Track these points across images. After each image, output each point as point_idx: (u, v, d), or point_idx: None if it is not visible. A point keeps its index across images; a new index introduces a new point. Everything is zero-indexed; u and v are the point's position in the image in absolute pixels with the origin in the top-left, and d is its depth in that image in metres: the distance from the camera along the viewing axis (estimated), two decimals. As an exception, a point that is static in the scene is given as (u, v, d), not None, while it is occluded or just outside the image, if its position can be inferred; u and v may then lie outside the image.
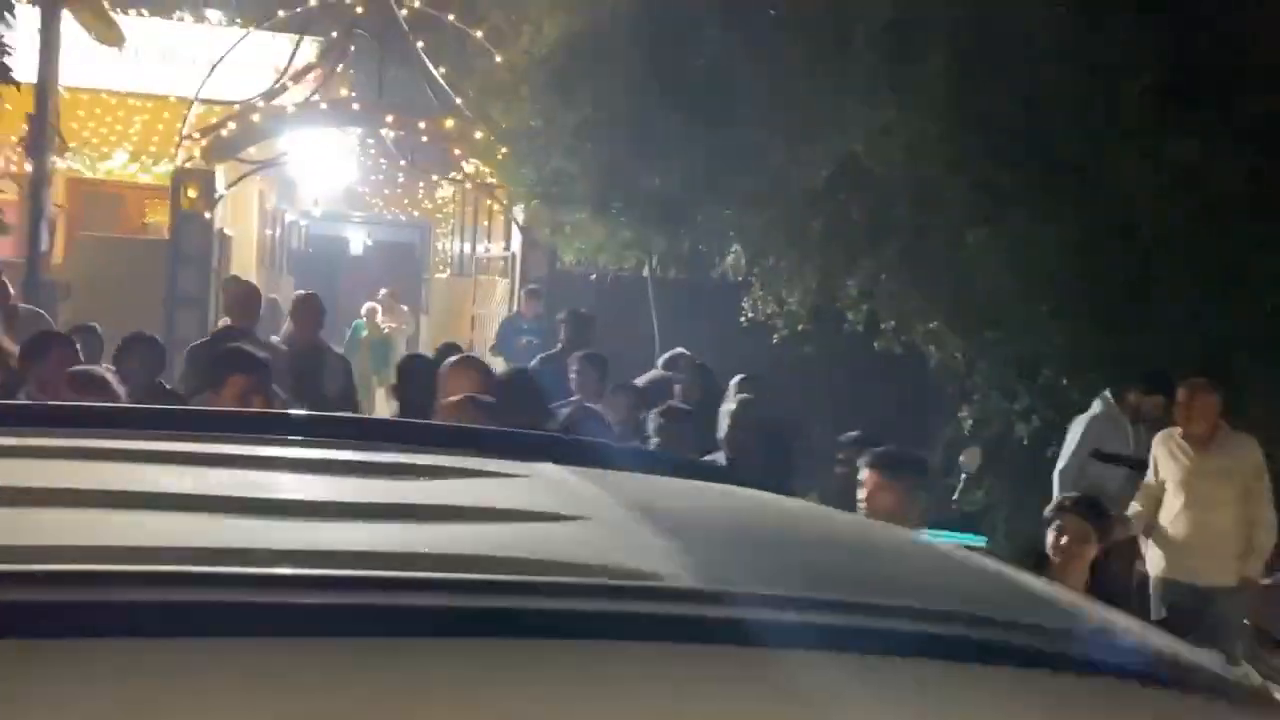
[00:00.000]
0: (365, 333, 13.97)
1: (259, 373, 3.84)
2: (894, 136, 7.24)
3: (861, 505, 4.54)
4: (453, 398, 3.69)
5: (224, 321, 7.90)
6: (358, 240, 24.84)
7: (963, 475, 6.48)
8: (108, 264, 11.44)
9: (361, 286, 18.78)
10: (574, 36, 9.03)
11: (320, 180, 15.47)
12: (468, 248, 16.04)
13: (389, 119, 11.70)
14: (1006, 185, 7.20)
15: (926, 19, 7.43)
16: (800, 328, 8.84)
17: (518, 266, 12.23)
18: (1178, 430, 6.18)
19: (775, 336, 9.38)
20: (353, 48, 12.49)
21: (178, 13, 13.79)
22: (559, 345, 7.78)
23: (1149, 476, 6.36)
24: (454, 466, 1.74)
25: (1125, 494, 6.80)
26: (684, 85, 8.43)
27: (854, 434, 5.26)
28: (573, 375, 6.51)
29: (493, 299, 13.12)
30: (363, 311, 14.41)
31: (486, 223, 14.91)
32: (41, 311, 8.59)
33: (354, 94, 13.19)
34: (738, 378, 6.95)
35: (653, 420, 5.33)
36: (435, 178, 15.11)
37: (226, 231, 12.38)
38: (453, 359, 5.38)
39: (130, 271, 11.21)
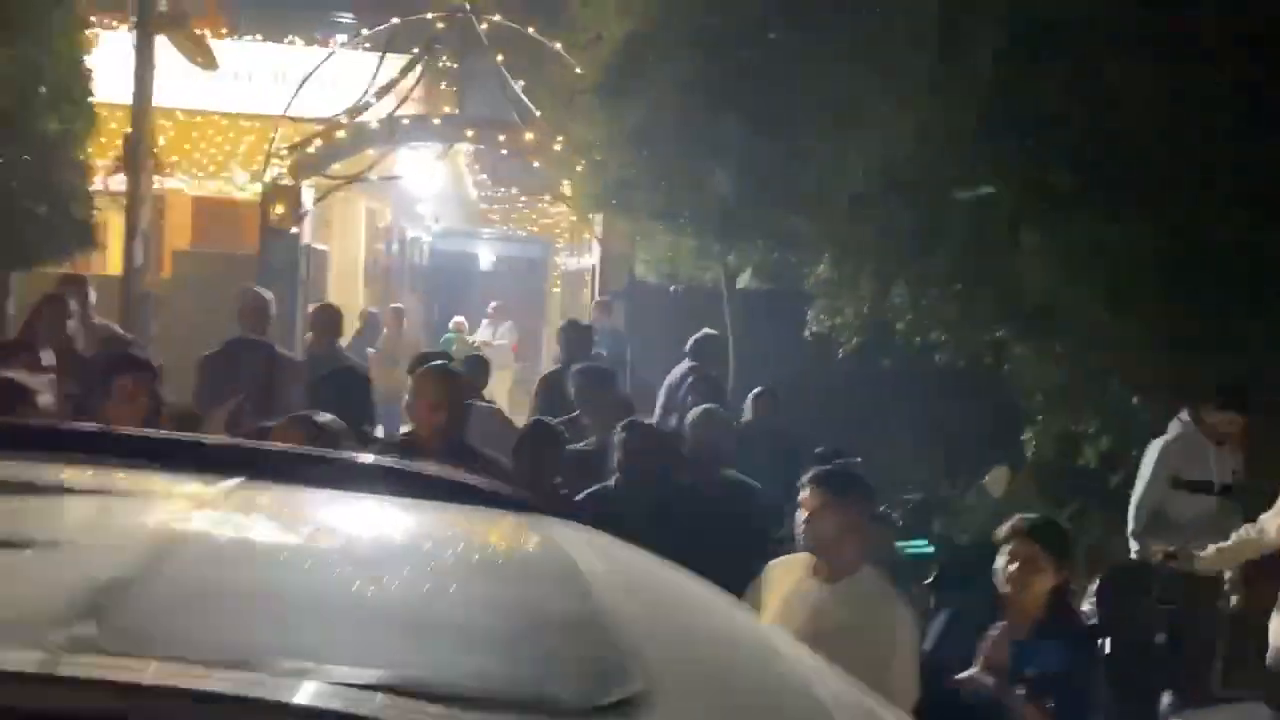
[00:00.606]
0: (455, 346, 14.13)
1: (142, 374, 3.81)
2: (932, 138, 6.76)
3: (801, 528, 4.17)
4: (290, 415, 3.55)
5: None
6: (487, 256, 25.27)
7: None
8: (202, 278, 11.84)
9: (491, 301, 19.04)
10: (625, 43, 8.87)
11: (426, 195, 15.71)
12: (571, 261, 16.07)
13: (469, 133, 11.76)
14: (1060, 187, 6.62)
15: (976, 5, 6.92)
16: (855, 340, 8.38)
17: (596, 278, 12.12)
18: None
19: (840, 350, 8.97)
20: (456, 65, 12.63)
21: (289, 36, 14.25)
22: (556, 362, 7.58)
23: (1266, 521, 5.55)
24: (83, 486, 1.59)
25: (1208, 524, 6.13)
26: (730, 89, 8.14)
27: (820, 450, 4.87)
28: (572, 389, 6.31)
29: (576, 311, 13.07)
30: (450, 325, 14.60)
31: (588, 236, 14.90)
32: (112, 325, 8.91)
33: (459, 111, 13.36)
34: (755, 391, 6.65)
35: (616, 434, 5.07)
36: (514, 190, 15.18)
37: (318, 246, 12.67)
38: (422, 368, 5.30)
39: (223, 285, 11.54)
